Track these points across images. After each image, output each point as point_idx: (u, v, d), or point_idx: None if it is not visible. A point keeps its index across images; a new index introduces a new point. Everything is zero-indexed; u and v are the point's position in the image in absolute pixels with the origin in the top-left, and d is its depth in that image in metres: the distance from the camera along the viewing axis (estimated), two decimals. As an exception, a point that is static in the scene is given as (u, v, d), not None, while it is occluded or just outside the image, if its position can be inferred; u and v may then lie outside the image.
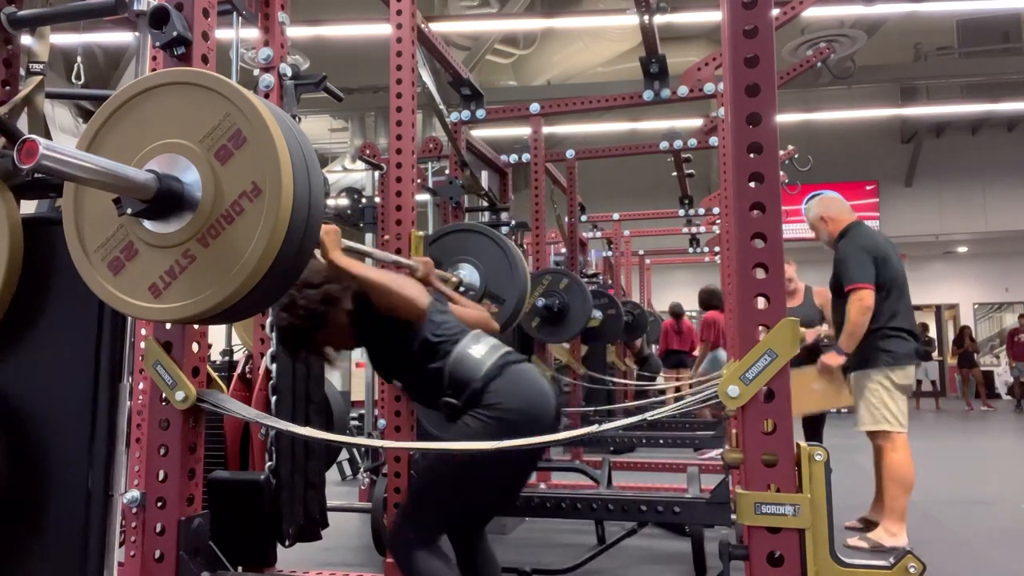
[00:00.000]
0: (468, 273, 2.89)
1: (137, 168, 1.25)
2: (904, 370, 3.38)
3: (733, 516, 1.17)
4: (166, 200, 1.24)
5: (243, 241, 1.23)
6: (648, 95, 4.00)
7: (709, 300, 7.25)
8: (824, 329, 4.07)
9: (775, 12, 3.45)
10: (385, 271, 1.84)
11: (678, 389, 6.38)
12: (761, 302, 1.15)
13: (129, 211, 1.24)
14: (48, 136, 1.72)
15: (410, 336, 1.87)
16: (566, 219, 5.62)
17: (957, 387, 13.75)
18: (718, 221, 6.84)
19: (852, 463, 4.54)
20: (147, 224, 1.28)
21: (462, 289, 2.80)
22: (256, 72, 2.40)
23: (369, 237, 4.59)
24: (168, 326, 1.45)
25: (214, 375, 1.53)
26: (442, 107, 3.57)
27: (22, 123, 1.63)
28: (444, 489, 1.84)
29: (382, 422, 3.51)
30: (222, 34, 1.65)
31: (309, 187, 1.30)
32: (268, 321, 2.29)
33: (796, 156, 6.26)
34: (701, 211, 7.84)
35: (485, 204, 4.28)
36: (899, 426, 3.32)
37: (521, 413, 1.78)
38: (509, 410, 1.77)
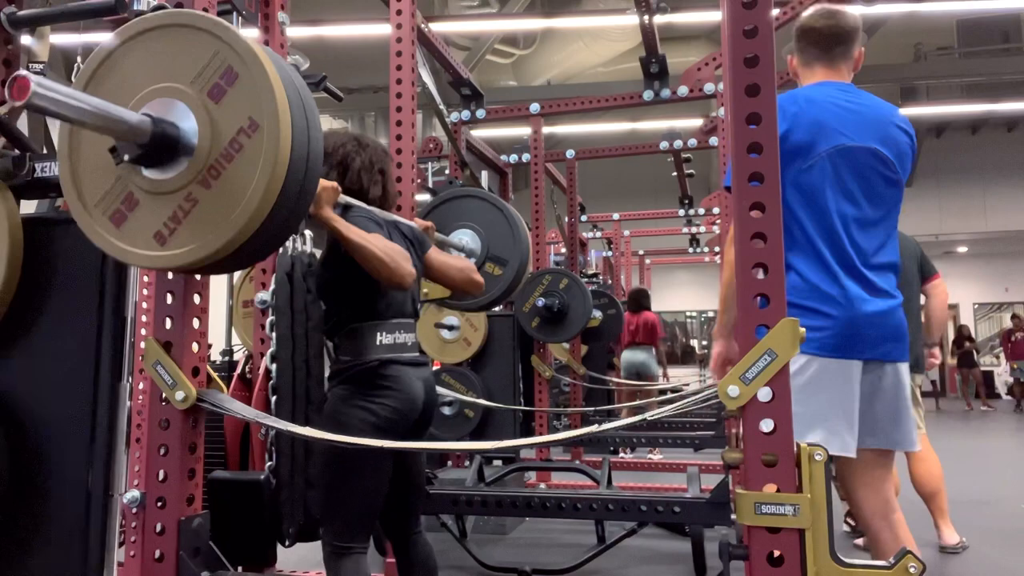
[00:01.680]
0: (469, 238, 2.89)
1: (130, 113, 1.24)
2: (922, 375, 3.45)
3: (733, 516, 1.17)
4: (162, 143, 1.23)
5: (245, 177, 1.22)
6: (648, 95, 4.01)
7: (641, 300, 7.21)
8: None
9: (775, 12, 3.45)
10: (377, 237, 1.79)
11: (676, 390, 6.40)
12: (761, 302, 1.15)
13: (126, 157, 1.22)
14: (49, 138, 1.72)
15: (371, 292, 1.86)
16: (566, 219, 5.62)
17: (957, 387, 13.75)
18: (718, 221, 6.84)
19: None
20: (146, 172, 1.27)
21: (463, 254, 2.80)
22: (256, 72, 2.40)
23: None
24: (168, 325, 1.45)
25: (214, 375, 1.53)
26: (442, 107, 3.57)
27: (22, 123, 1.63)
28: (336, 489, 1.82)
29: (382, 422, 3.51)
30: (222, 34, 1.64)
31: (307, 121, 1.29)
32: (268, 321, 2.29)
33: (796, 156, 6.24)
34: (701, 211, 7.84)
35: (485, 204, 4.28)
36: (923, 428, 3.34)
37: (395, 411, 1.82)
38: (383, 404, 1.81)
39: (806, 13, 2.08)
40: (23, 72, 1.02)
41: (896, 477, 3.27)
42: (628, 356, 7.00)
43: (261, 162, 1.21)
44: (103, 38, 1.31)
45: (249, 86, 1.22)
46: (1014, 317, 12.95)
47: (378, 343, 1.86)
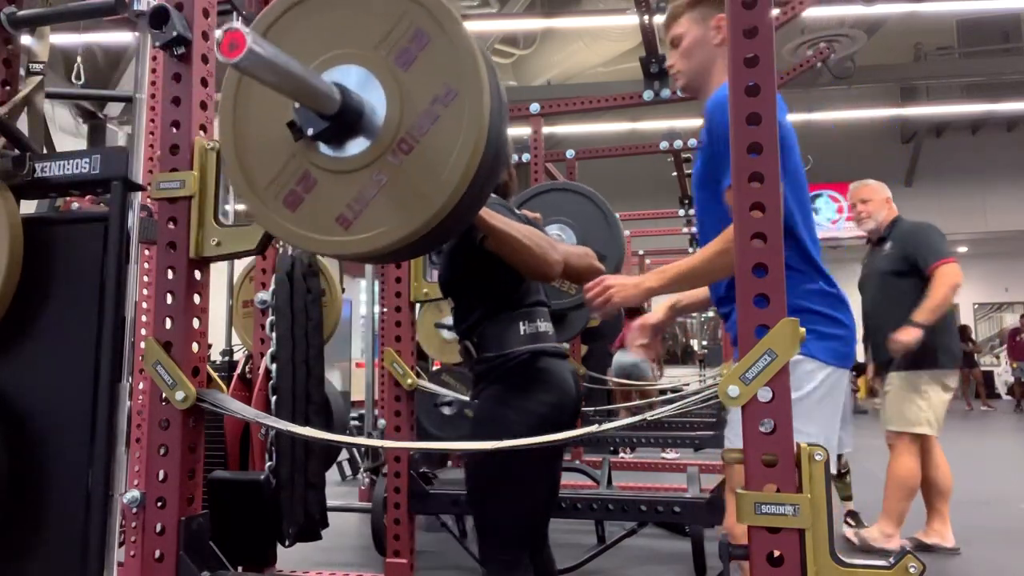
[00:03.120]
0: (564, 233, 2.86)
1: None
2: (955, 372, 3.43)
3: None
4: (349, 116, 1.11)
5: (442, 151, 1.10)
6: (648, 95, 4.00)
7: None
8: None
9: (775, 12, 3.45)
10: (523, 225, 1.63)
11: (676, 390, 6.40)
12: (761, 302, 1.15)
13: (310, 132, 1.10)
14: (49, 138, 1.72)
15: (509, 282, 1.71)
16: (566, 219, 5.62)
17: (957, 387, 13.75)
18: (718, 221, 6.83)
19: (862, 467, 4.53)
20: (324, 149, 1.15)
21: None
22: (256, 72, 2.40)
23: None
24: (168, 325, 1.45)
25: (214, 375, 1.53)
26: (442, 107, 3.57)
27: (22, 123, 1.63)
28: (504, 497, 1.68)
29: (382, 422, 3.52)
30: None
31: (497, 84, 1.16)
32: (268, 321, 2.29)
33: (796, 156, 6.25)
34: (701, 211, 7.83)
35: (485, 204, 4.27)
36: (934, 430, 3.32)
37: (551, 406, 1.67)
38: (542, 402, 1.66)
39: None
40: (238, 25, 0.90)
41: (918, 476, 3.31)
42: (618, 358, 7.00)
43: (462, 134, 1.09)
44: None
45: (445, 50, 1.10)
46: (1023, 317, 12.96)
47: (522, 333, 1.71)
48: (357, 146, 1.14)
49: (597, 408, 4.92)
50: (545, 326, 1.77)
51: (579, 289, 2.06)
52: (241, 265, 3.26)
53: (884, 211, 3.64)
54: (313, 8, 1.17)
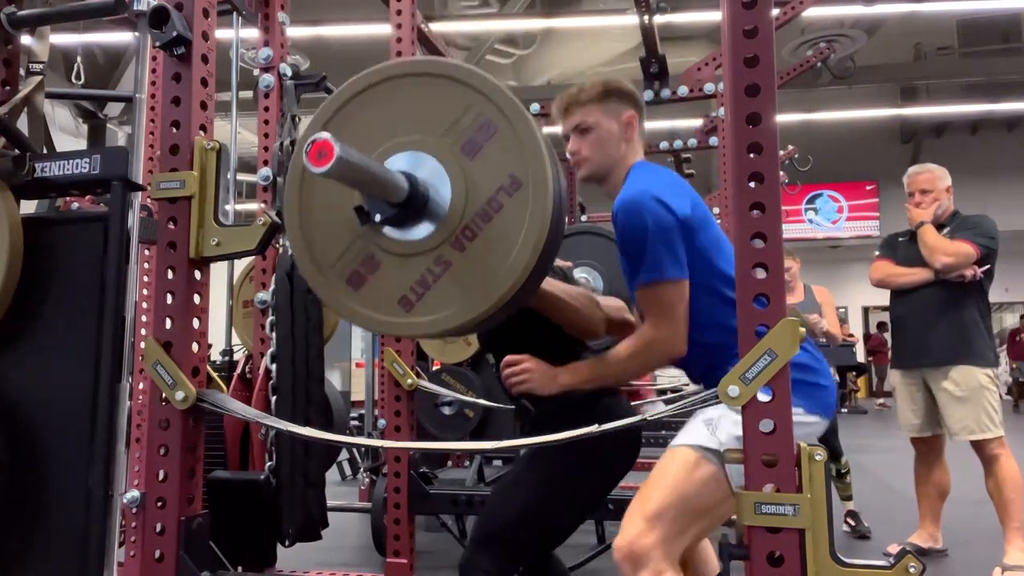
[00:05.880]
0: (590, 276, 2.82)
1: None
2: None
3: (733, 516, 1.17)
4: (414, 204, 1.13)
5: (507, 240, 1.12)
6: (648, 95, 4.00)
7: None
8: (823, 323, 4.03)
9: (775, 12, 3.46)
10: (569, 286, 1.66)
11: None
12: (761, 302, 1.15)
13: (378, 218, 1.13)
14: (49, 138, 1.72)
15: (562, 342, 1.74)
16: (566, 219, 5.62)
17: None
18: (718, 221, 6.84)
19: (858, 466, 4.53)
20: (389, 232, 1.17)
21: None
22: (256, 72, 2.40)
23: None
24: (168, 325, 1.45)
25: (214, 375, 1.53)
26: (442, 107, 3.57)
27: (22, 123, 1.63)
28: (539, 505, 1.68)
29: (382, 422, 3.51)
30: (222, 34, 1.65)
31: (559, 172, 1.18)
32: (268, 321, 2.29)
33: (796, 156, 6.26)
34: (701, 211, 7.83)
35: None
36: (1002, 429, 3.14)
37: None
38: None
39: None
40: (326, 135, 0.94)
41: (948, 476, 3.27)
42: None
43: (527, 224, 1.11)
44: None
45: (511, 141, 1.12)
46: (1023, 317, 12.96)
47: None
48: (422, 231, 1.16)
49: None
50: None
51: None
52: (241, 265, 3.26)
53: (944, 200, 3.53)
54: (381, 93, 1.19)
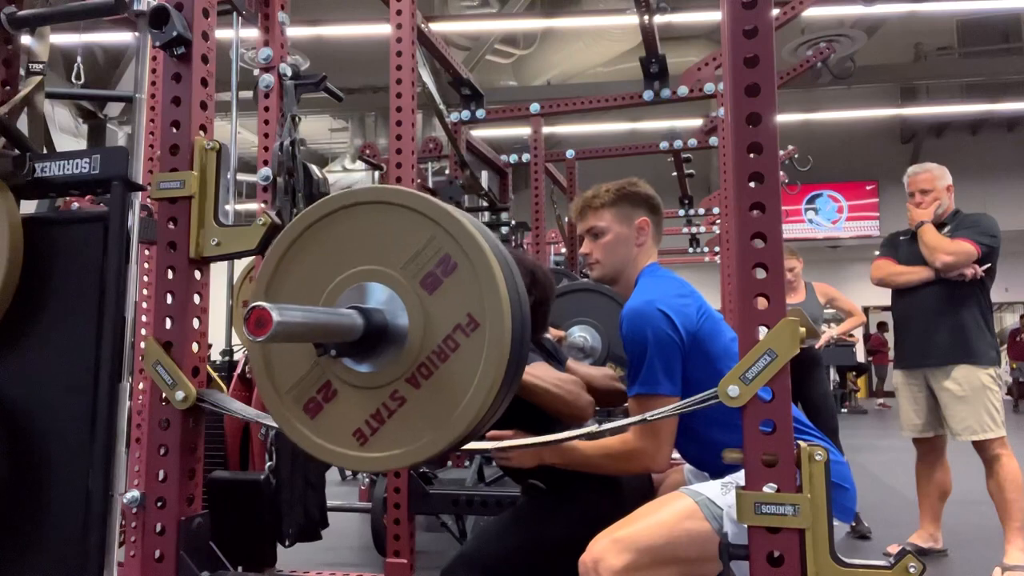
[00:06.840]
0: (589, 335, 2.76)
1: (331, 299, 1.15)
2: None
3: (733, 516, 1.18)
4: (369, 340, 1.12)
5: (462, 380, 1.10)
6: (648, 95, 4.00)
7: None
8: (833, 333, 4.02)
9: (775, 12, 3.46)
10: (544, 368, 1.68)
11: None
12: (761, 302, 1.15)
13: (333, 353, 1.12)
14: (49, 138, 1.72)
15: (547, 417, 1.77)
16: (566, 219, 5.62)
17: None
18: (718, 221, 6.84)
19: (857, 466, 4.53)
20: (347, 362, 1.16)
21: (584, 356, 2.66)
22: (256, 72, 2.40)
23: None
24: (168, 325, 1.45)
25: (214, 375, 1.53)
26: (442, 107, 3.57)
27: (22, 123, 1.63)
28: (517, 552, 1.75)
29: (382, 422, 3.51)
30: (222, 34, 1.65)
31: (520, 308, 1.16)
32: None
33: (796, 156, 6.26)
34: (701, 211, 7.84)
35: (485, 204, 4.28)
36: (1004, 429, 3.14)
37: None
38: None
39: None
40: (263, 305, 0.94)
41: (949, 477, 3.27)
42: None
43: (482, 365, 1.08)
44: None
45: (469, 279, 1.10)
46: (1023, 317, 12.97)
47: None
48: (378, 364, 1.14)
49: (597, 408, 4.91)
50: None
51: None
52: (241, 265, 3.26)
53: (945, 200, 3.51)
54: (338, 221, 1.18)
